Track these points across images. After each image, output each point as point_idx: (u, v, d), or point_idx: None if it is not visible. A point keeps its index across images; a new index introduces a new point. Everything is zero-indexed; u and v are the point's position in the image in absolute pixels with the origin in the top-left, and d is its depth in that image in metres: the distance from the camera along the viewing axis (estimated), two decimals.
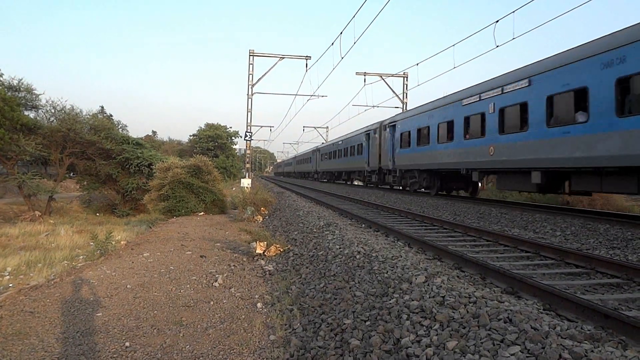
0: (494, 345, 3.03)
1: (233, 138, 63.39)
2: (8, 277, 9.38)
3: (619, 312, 3.68)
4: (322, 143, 47.86)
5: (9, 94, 24.95)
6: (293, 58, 26.88)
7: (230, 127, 62.53)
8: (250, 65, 27.23)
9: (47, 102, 29.69)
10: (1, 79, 26.56)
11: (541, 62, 11.70)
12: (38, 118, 27.56)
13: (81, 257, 11.14)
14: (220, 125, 61.45)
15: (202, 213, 17.39)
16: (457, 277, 5.30)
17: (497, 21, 13.69)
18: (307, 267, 6.94)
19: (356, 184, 33.94)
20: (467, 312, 3.61)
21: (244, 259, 8.40)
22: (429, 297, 4.08)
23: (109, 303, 5.74)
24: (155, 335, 4.67)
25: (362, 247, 6.69)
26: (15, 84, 26.39)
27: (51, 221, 22.08)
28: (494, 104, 13.50)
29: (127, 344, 4.43)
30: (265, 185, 34.76)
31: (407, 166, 20.68)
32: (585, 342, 3.00)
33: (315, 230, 9.43)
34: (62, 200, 29.69)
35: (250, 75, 27.30)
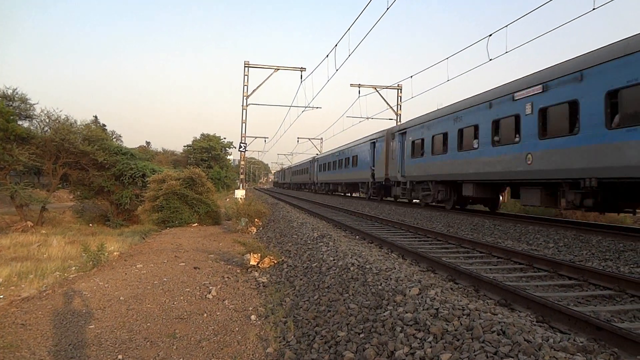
0: (487, 357, 3.04)
1: (227, 149, 63.17)
2: None
3: (612, 324, 3.71)
4: (292, 164, 68.18)
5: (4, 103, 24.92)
6: (288, 69, 27.04)
7: (225, 138, 61.96)
8: (245, 77, 27.33)
9: (41, 111, 29.69)
10: None
11: (358, 139, 28.49)
12: (32, 128, 27.50)
13: (73, 268, 11.03)
14: (214, 136, 60.99)
15: (196, 224, 17.31)
16: (451, 289, 5.32)
17: (491, 35, 13.91)
18: (301, 279, 6.93)
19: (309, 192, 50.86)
20: (461, 324, 3.62)
21: (238, 271, 8.37)
22: (423, 310, 4.09)
23: (102, 315, 5.69)
24: (148, 347, 4.64)
25: (356, 259, 6.69)
26: (9, 94, 26.39)
27: (43, 231, 21.88)
28: (344, 157, 31.82)
29: (120, 356, 4.39)
30: (259, 197, 34.66)
31: (321, 181, 41.53)
32: (578, 354, 3.02)
33: (309, 242, 9.42)
34: (55, 211, 29.45)
35: (245, 87, 27.39)
